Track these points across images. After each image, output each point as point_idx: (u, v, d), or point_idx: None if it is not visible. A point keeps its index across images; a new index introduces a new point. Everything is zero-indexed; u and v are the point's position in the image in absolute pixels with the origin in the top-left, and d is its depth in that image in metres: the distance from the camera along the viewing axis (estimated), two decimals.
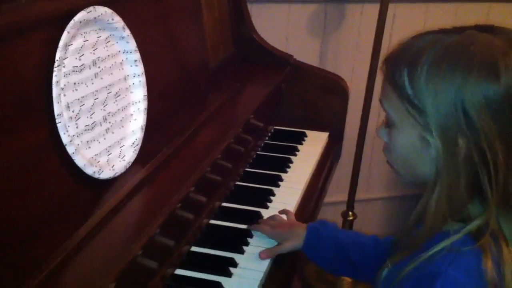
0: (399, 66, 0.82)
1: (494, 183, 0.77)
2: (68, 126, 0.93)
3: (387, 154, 0.92)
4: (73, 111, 0.95)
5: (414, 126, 0.81)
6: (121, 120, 1.09)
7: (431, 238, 0.82)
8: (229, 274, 1.07)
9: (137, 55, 1.11)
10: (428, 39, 0.81)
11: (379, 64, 1.87)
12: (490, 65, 0.75)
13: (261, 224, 1.22)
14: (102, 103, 1.03)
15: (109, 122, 1.06)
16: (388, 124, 0.88)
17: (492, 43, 0.77)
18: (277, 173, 1.47)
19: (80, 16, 0.95)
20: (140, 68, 1.12)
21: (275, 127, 1.73)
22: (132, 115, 1.13)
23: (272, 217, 1.25)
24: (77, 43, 0.97)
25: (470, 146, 0.76)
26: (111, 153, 1.05)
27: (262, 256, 1.12)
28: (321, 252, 1.15)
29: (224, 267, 1.09)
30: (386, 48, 1.97)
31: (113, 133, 1.07)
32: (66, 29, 0.92)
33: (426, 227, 0.82)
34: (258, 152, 1.57)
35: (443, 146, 0.78)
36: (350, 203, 2.18)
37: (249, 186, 1.40)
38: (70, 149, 0.92)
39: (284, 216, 1.26)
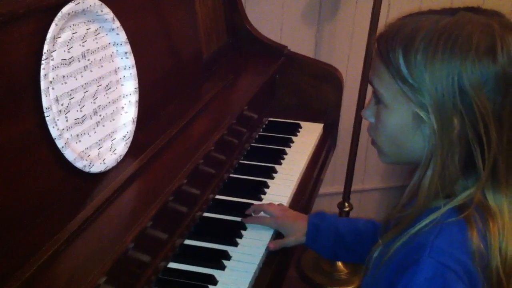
0: (393, 45, 0.82)
1: (486, 159, 0.78)
2: (57, 120, 0.92)
3: (373, 134, 0.92)
4: (62, 105, 0.94)
5: (407, 104, 0.82)
6: (112, 113, 1.08)
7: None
8: (222, 267, 1.07)
9: (127, 47, 1.10)
10: (422, 18, 0.82)
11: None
12: (488, 45, 0.76)
13: (260, 217, 1.22)
14: (92, 96, 1.02)
15: (100, 115, 1.05)
16: (377, 103, 0.88)
17: (488, 24, 0.78)
18: (271, 165, 1.46)
19: (68, 8, 0.93)
20: (130, 61, 1.11)
21: (269, 118, 1.72)
22: (123, 108, 1.12)
23: (268, 205, 1.25)
24: (66, 35, 0.95)
25: (465, 123, 0.78)
26: (102, 147, 1.05)
27: (270, 246, 1.14)
28: (321, 244, 1.17)
29: (218, 260, 1.08)
30: None
31: (103, 126, 1.06)
32: (54, 21, 0.91)
33: (419, 203, 0.83)
34: (252, 144, 1.56)
35: (438, 124, 0.78)
36: (346, 194, 2.18)
37: (243, 178, 1.40)
38: (59, 143, 0.92)
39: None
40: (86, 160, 0.98)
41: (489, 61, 0.76)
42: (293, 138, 1.63)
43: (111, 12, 1.05)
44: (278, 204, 1.27)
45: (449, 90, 0.77)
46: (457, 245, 0.78)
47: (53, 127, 0.90)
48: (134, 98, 1.12)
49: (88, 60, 1.01)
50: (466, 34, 0.77)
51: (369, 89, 1.92)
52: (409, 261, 0.79)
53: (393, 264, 0.83)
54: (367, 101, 1.98)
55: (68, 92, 0.96)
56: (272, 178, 1.41)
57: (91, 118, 1.02)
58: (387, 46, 0.83)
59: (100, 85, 1.05)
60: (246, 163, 1.46)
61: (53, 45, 0.91)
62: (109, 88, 1.08)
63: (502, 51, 0.76)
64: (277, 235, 1.20)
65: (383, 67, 0.84)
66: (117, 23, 1.07)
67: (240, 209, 1.25)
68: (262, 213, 1.24)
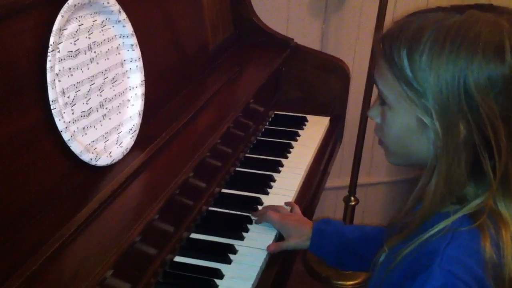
0: (398, 45, 0.79)
1: (497, 165, 0.75)
2: (64, 112, 0.91)
3: (380, 134, 0.90)
4: (68, 97, 0.93)
5: (411, 108, 0.79)
6: (118, 106, 1.08)
7: (427, 221, 0.81)
8: (228, 261, 1.07)
9: (133, 40, 1.09)
10: (428, 17, 0.79)
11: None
12: (496, 46, 0.73)
13: (269, 212, 1.19)
14: (98, 88, 1.02)
15: (106, 108, 1.04)
16: (382, 104, 0.86)
17: (497, 23, 0.75)
18: (277, 158, 1.45)
19: None
20: (137, 53, 1.10)
21: (275, 112, 1.71)
22: (129, 100, 1.11)
23: (275, 208, 1.22)
24: (72, 27, 0.95)
25: (471, 128, 0.75)
26: (108, 140, 1.04)
27: (270, 248, 1.11)
28: (326, 249, 1.14)
29: (224, 253, 1.08)
30: None
31: (110, 119, 1.05)
32: (60, 13, 0.90)
33: (424, 209, 0.81)
34: (258, 138, 1.55)
35: (442, 129, 0.76)
36: (352, 188, 2.17)
37: (249, 172, 1.39)
38: (65, 136, 0.91)
39: (289, 209, 1.24)
40: (93, 153, 0.98)
41: (496, 63, 0.73)
42: (299, 131, 1.62)
43: (117, 4, 1.04)
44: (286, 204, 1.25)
45: (455, 93, 0.74)
46: (469, 254, 0.76)
47: (59, 119, 0.90)
48: (140, 90, 1.12)
49: (95, 52, 1.00)
50: (473, 34, 0.74)
51: None
52: (419, 267, 0.76)
53: (403, 270, 0.80)
54: (373, 95, 1.97)
55: (74, 85, 0.95)
56: (279, 171, 1.40)
57: (97, 111, 1.01)
58: (391, 46, 0.80)
59: (107, 77, 1.04)
60: (252, 157, 1.46)
61: (59, 37, 0.91)
62: (116, 81, 1.07)
63: (511, 51, 0.73)
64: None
65: (387, 68, 0.81)
66: (123, 15, 1.06)
67: (247, 203, 1.25)
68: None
